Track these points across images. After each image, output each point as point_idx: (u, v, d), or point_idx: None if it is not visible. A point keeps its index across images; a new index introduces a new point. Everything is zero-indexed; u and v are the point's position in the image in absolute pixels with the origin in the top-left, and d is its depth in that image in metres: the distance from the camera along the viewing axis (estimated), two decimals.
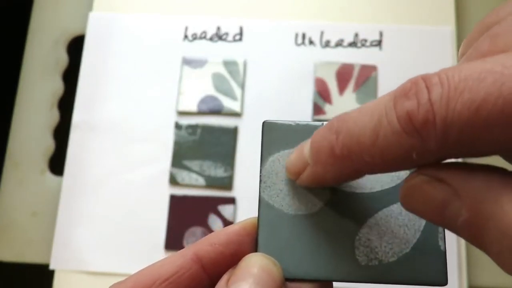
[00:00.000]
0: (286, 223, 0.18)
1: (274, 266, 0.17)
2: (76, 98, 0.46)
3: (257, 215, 0.18)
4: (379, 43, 0.46)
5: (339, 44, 0.46)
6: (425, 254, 0.17)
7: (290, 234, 0.18)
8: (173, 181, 0.43)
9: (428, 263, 0.17)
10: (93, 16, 0.48)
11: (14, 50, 0.50)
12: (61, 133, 0.46)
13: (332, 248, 0.17)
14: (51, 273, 0.42)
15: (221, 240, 0.18)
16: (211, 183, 0.43)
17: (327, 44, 0.46)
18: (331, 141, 0.15)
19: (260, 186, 0.18)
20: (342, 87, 0.45)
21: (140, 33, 0.47)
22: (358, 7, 0.47)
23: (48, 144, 0.46)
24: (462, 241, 0.40)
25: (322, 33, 0.46)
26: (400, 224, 0.18)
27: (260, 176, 0.19)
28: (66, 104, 0.47)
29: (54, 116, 0.47)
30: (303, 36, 0.46)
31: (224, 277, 0.17)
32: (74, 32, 0.49)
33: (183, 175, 0.43)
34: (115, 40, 0.47)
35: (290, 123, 0.19)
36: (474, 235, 0.13)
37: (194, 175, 0.43)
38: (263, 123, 0.19)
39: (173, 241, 0.41)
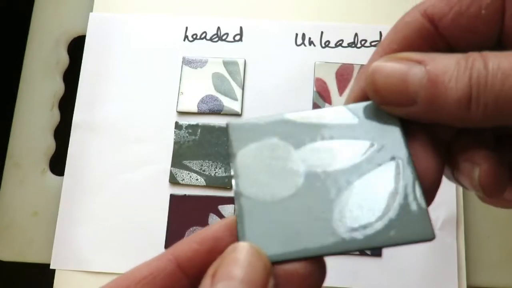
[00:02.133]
0: (265, 209, 0.18)
1: (260, 254, 0.17)
2: (77, 98, 0.46)
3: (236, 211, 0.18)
4: (379, 43, 0.46)
5: (339, 44, 0.46)
6: (407, 213, 0.17)
7: (270, 218, 0.18)
8: (173, 181, 0.43)
9: (412, 222, 0.17)
10: (93, 17, 0.48)
11: (14, 50, 0.50)
12: (62, 133, 0.46)
13: (314, 224, 0.18)
14: (52, 272, 0.42)
15: (195, 238, 0.18)
16: (211, 183, 0.43)
17: (327, 44, 0.46)
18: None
19: (233, 180, 0.19)
20: (342, 87, 0.45)
21: (141, 33, 0.47)
22: (358, 7, 0.47)
23: (49, 144, 0.46)
24: (462, 242, 0.40)
25: (322, 33, 0.46)
26: (378, 191, 0.18)
27: (233, 171, 0.19)
28: (66, 104, 0.47)
29: (54, 116, 0.47)
30: (303, 36, 0.46)
31: (209, 272, 0.16)
32: (74, 32, 0.49)
33: (183, 175, 0.43)
34: (115, 40, 0.47)
35: (253, 120, 0.19)
36: (435, 82, 0.17)
37: (194, 175, 0.43)
38: (227, 124, 0.20)
39: (173, 241, 0.41)
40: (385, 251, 0.40)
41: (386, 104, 0.18)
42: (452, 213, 0.41)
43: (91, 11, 0.48)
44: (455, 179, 0.20)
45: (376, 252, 0.40)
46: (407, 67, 0.17)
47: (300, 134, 0.19)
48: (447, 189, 0.41)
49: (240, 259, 0.16)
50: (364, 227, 0.17)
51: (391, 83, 0.18)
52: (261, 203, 0.18)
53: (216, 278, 0.16)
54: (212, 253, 0.17)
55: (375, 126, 0.19)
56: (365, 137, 0.19)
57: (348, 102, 0.20)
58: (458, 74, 0.16)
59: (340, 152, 0.18)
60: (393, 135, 0.19)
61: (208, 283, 0.16)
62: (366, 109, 0.19)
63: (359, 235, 0.17)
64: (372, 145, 0.19)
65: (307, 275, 0.17)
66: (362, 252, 0.40)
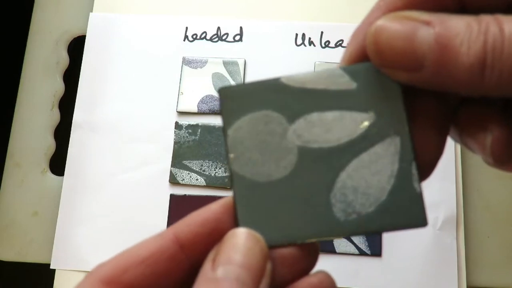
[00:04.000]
0: (261, 191, 0.18)
1: (258, 240, 0.17)
2: (77, 98, 0.46)
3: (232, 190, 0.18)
4: None
5: (339, 44, 0.46)
6: (401, 199, 0.17)
7: (266, 202, 0.18)
8: (173, 181, 0.43)
9: (406, 207, 0.17)
10: (93, 17, 0.48)
11: (15, 50, 0.50)
12: (62, 133, 0.46)
13: (309, 209, 0.17)
14: (52, 272, 0.42)
15: (197, 220, 0.18)
16: (211, 183, 0.43)
17: (327, 44, 0.46)
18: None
19: (228, 158, 0.18)
20: None
21: (141, 33, 0.47)
22: (358, 7, 0.47)
23: (49, 144, 0.46)
24: (462, 242, 0.40)
25: (322, 33, 0.46)
26: (373, 173, 0.17)
27: (226, 148, 0.18)
28: (66, 104, 0.47)
29: (54, 116, 0.47)
30: (303, 36, 0.46)
31: (210, 257, 0.17)
32: (74, 33, 0.49)
33: (183, 175, 0.43)
34: (115, 40, 0.47)
35: (246, 86, 0.18)
36: (445, 46, 0.15)
37: (194, 175, 0.43)
38: (219, 90, 0.19)
39: None
40: (385, 251, 0.41)
41: (389, 67, 0.17)
42: (452, 213, 0.41)
43: (91, 11, 0.48)
44: (462, 142, 0.19)
45: (376, 252, 0.40)
46: (414, 28, 0.16)
47: (295, 103, 0.18)
48: (447, 189, 0.41)
49: (239, 244, 0.16)
50: (358, 213, 0.17)
51: (396, 45, 0.16)
52: (256, 184, 0.18)
53: (217, 262, 0.16)
54: (213, 235, 0.17)
55: (374, 94, 0.18)
56: (363, 107, 0.18)
57: (344, 61, 0.19)
58: (470, 38, 0.15)
59: (336, 126, 0.18)
60: (393, 105, 0.18)
61: (209, 267, 0.16)
62: (364, 72, 0.18)
63: (352, 220, 0.17)
64: (370, 118, 0.18)
65: (301, 258, 0.18)
66: (362, 252, 0.40)
